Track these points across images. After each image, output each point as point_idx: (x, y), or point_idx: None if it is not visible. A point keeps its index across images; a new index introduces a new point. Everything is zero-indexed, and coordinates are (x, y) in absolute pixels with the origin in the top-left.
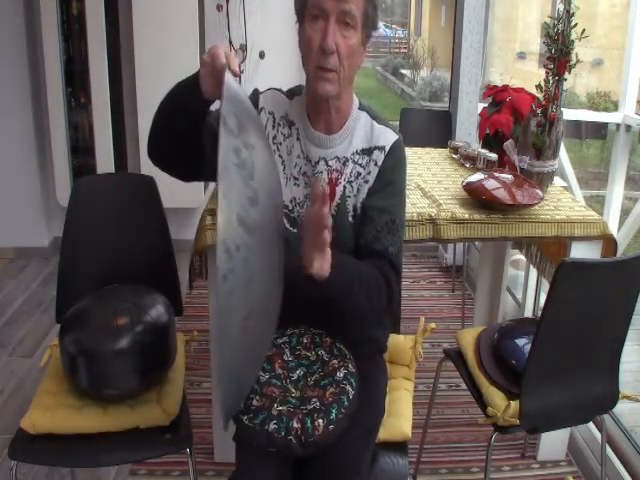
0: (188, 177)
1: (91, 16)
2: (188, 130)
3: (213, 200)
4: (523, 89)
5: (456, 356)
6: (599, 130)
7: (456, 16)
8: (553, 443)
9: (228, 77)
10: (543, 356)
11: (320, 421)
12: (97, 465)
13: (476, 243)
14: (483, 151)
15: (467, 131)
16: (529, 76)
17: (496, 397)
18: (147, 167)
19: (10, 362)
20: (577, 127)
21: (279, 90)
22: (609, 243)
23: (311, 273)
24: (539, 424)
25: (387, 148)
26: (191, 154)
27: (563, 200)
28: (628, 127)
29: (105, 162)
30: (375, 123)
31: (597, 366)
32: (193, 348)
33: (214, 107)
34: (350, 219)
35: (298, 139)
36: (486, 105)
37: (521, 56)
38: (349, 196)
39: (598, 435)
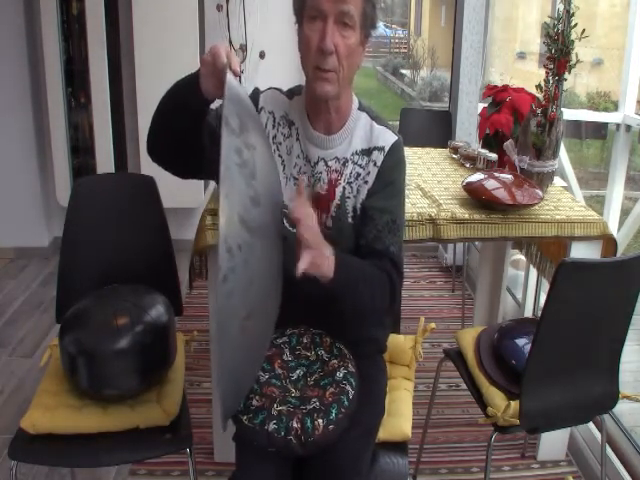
0: (187, 175)
1: (91, 16)
2: (187, 129)
3: (213, 200)
4: (523, 89)
5: (456, 356)
6: (599, 130)
7: (456, 16)
8: (553, 443)
9: (229, 77)
10: (543, 356)
11: (320, 421)
12: (97, 465)
13: (476, 243)
14: (483, 151)
15: (467, 131)
16: (529, 76)
17: (496, 397)
18: (147, 167)
19: (10, 362)
20: (577, 127)
21: (279, 90)
22: (609, 243)
23: (304, 271)
24: (539, 424)
25: (386, 149)
26: (190, 152)
27: (563, 200)
28: (628, 127)
29: (105, 162)
30: (375, 124)
31: (597, 366)
32: (193, 348)
33: (214, 106)
34: (350, 220)
35: (298, 139)
36: (486, 105)
37: (521, 56)
38: (348, 197)
39: (598, 435)
